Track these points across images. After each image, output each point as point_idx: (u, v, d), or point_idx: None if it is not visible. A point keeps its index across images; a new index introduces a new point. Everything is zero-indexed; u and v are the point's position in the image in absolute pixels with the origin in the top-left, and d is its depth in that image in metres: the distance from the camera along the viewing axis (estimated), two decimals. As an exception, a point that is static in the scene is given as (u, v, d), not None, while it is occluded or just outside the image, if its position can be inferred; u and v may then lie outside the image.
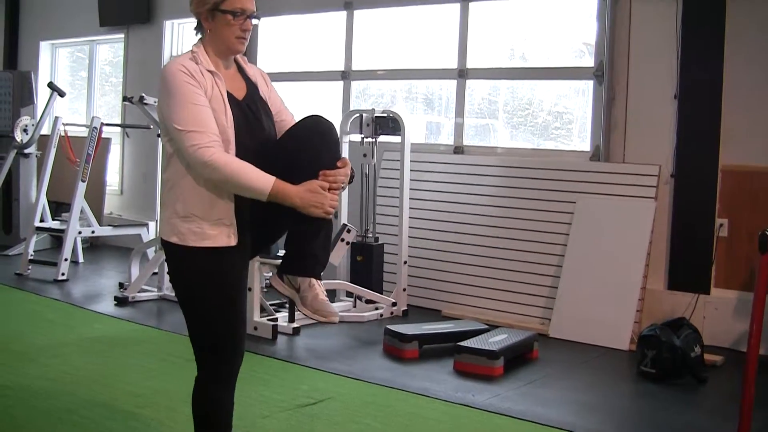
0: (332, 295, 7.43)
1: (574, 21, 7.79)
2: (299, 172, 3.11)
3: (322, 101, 9.38)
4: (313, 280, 3.23)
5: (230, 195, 3.14)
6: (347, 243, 7.02)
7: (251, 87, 3.39)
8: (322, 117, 3.29)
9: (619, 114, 7.13)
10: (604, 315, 6.57)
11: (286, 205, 3.08)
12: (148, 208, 10.25)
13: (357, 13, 8.82)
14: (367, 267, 7.37)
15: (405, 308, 7.27)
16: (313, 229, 3.17)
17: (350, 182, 3.36)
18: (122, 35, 11.00)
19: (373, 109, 7.35)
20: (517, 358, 5.81)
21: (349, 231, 6.98)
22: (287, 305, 6.77)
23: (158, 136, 7.79)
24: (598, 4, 7.28)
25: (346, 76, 8.89)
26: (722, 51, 6.62)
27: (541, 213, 7.18)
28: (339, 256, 7.04)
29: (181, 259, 3.21)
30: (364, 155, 7.35)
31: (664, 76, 6.88)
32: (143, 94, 7.82)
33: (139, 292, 7.47)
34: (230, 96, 3.22)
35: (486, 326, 6.40)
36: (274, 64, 9.46)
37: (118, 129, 10.13)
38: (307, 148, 3.18)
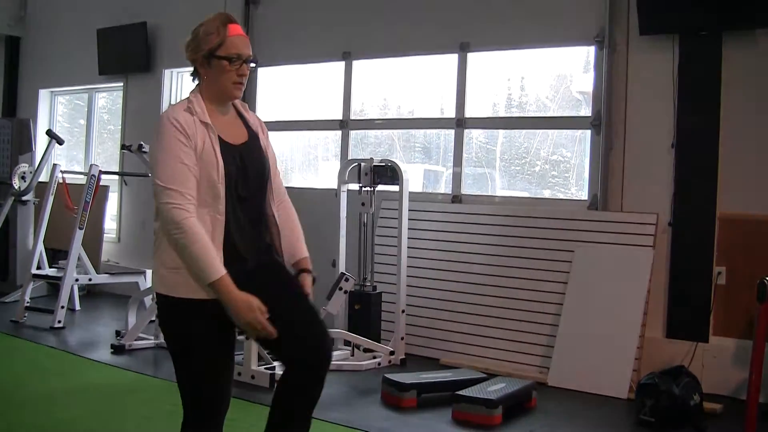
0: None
1: (572, 71, 7.85)
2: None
3: (321, 150, 9.42)
4: None
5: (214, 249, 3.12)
6: (345, 292, 7.01)
7: (252, 134, 3.39)
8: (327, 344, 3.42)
9: (617, 163, 7.16)
10: (603, 363, 6.55)
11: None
12: (146, 256, 10.21)
13: (355, 63, 8.88)
14: (365, 315, 7.35)
15: (403, 357, 7.24)
16: (301, 384, 3.33)
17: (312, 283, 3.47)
18: (121, 83, 11.05)
19: (372, 159, 7.38)
20: (515, 406, 5.78)
21: (347, 280, 6.98)
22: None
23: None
24: (594, 54, 7.34)
25: (345, 125, 8.93)
26: (719, 98, 6.67)
27: (539, 262, 7.18)
28: (337, 305, 7.02)
29: (169, 310, 3.22)
30: (362, 204, 7.36)
31: (662, 125, 6.93)
32: (142, 143, 7.86)
33: (135, 340, 7.43)
34: (226, 143, 3.22)
35: (484, 375, 6.38)
36: (273, 113, 9.51)
37: (116, 177, 10.14)
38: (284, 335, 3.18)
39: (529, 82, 8.28)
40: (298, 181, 9.56)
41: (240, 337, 3.58)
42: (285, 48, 9.25)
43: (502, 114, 8.35)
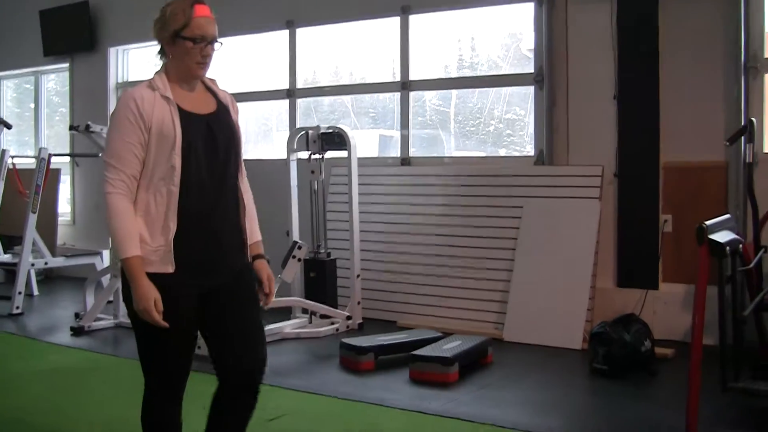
0: (287, 312, 7.47)
1: (522, 29, 7.88)
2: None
3: (274, 121, 9.42)
4: None
5: (167, 227, 3.15)
6: (299, 260, 7.07)
7: (221, 107, 3.41)
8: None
9: (561, 117, 7.25)
10: (556, 316, 6.67)
11: None
12: (102, 237, 10.20)
13: (299, 31, 8.88)
14: (321, 282, 7.41)
15: (360, 321, 7.31)
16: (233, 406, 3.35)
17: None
18: (67, 64, 10.97)
19: (318, 126, 7.40)
20: (471, 363, 5.87)
21: (300, 248, 7.03)
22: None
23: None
24: (534, 12, 7.39)
25: (291, 94, 8.94)
26: (657, 50, 6.77)
27: (489, 219, 7.26)
28: (292, 273, 7.07)
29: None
30: (312, 172, 7.40)
31: (603, 78, 7.01)
32: (89, 123, 7.81)
33: (94, 321, 7.44)
34: (189, 114, 3.23)
35: (440, 334, 6.45)
36: (219, 85, 9.45)
37: (68, 159, 10.09)
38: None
39: (480, 42, 8.33)
40: (252, 153, 9.56)
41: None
42: (229, 19, 9.16)
43: (454, 75, 8.41)
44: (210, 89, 3.46)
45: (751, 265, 5.44)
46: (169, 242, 3.15)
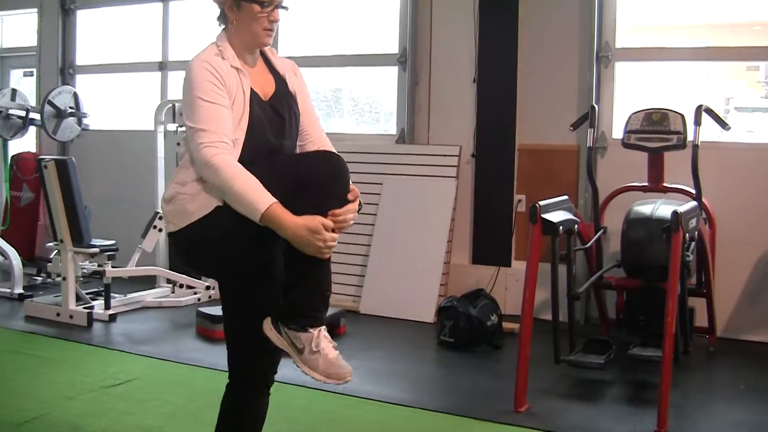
0: (152, 281, 7.54)
1: (383, 9, 8.04)
2: (303, 206, 2.83)
3: (141, 93, 9.41)
4: (320, 335, 2.94)
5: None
6: (160, 230, 7.14)
7: (280, 83, 3.19)
8: (335, 156, 2.98)
9: (423, 98, 7.46)
10: (411, 290, 6.89)
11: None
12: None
13: (173, 4, 8.90)
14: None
15: (221, 291, 7.41)
16: (310, 264, 2.90)
17: (359, 211, 3.04)
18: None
19: (186, 98, 7.44)
20: (323, 333, 6.03)
21: (161, 218, 7.10)
22: (103, 293, 6.83)
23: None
24: (399, -8, 7.57)
25: (164, 66, 8.96)
26: (516, 37, 7.02)
27: (350, 195, 7.37)
28: (152, 243, 7.16)
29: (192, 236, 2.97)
30: (178, 144, 7.40)
31: (464, 62, 7.24)
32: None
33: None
34: (255, 95, 3.04)
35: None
36: (92, 57, 9.47)
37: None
38: (315, 188, 2.87)
39: (372, 21, 8.44)
40: (125, 124, 9.55)
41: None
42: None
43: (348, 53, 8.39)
44: (267, 60, 3.23)
45: (589, 244, 5.74)
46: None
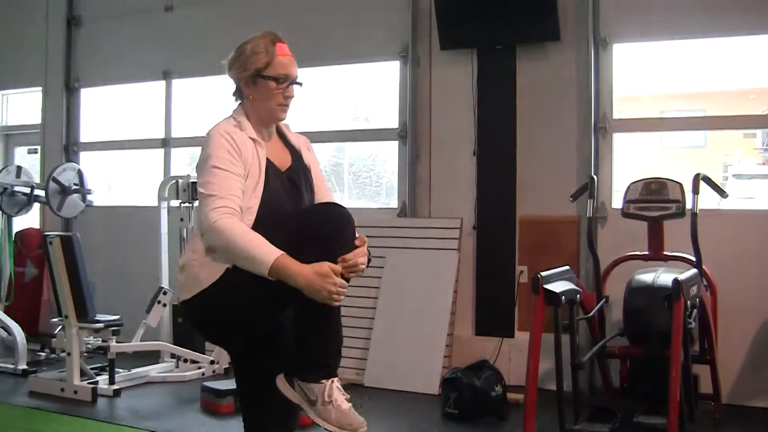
0: (156, 356, 7.54)
1: (382, 84, 8.17)
2: (312, 257, 2.89)
3: (145, 169, 9.50)
4: (333, 386, 3.02)
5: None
6: (164, 305, 7.18)
7: (295, 156, 3.29)
8: (338, 206, 3.08)
9: (424, 172, 7.55)
10: (415, 362, 6.89)
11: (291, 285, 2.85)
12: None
13: (175, 82, 9.02)
14: (188, 328, 7.45)
15: (226, 366, 7.39)
16: (320, 314, 2.97)
17: (368, 265, 3.12)
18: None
19: (189, 175, 7.52)
20: (328, 407, 6.02)
21: (165, 293, 7.16)
22: (108, 368, 6.83)
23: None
24: (399, 68, 7.70)
25: (166, 143, 9.05)
26: (514, 110, 7.14)
27: (354, 269, 7.41)
28: (156, 318, 7.18)
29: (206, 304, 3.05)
30: (181, 219, 7.49)
31: (464, 135, 7.34)
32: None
33: None
34: (272, 166, 3.13)
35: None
36: (95, 134, 9.60)
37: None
38: (322, 238, 2.94)
39: (374, 96, 8.59)
40: (128, 200, 9.63)
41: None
42: (108, 69, 9.30)
43: (349, 128, 8.64)
44: (282, 135, 3.34)
45: (591, 314, 5.76)
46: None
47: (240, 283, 2.93)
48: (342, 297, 2.91)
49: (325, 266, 2.84)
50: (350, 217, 3.05)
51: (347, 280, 2.99)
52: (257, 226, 2.99)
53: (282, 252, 2.84)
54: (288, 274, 2.83)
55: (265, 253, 2.83)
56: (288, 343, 3.10)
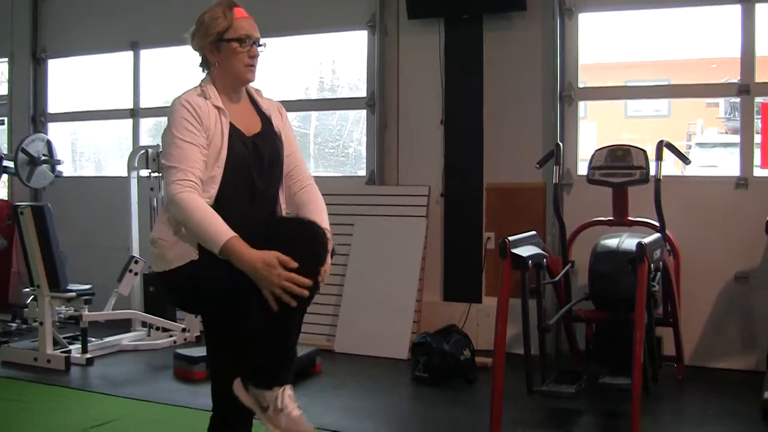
0: (128, 324, 7.60)
1: (351, 54, 8.22)
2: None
3: (114, 139, 9.50)
4: (284, 394, 3.05)
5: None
6: (135, 273, 7.22)
7: (265, 122, 3.31)
8: (314, 225, 3.12)
9: (392, 140, 7.61)
10: (384, 328, 6.98)
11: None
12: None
13: (143, 52, 9.00)
14: (159, 296, 7.50)
15: (198, 334, 7.45)
16: (277, 326, 3.02)
17: (332, 257, 3.13)
18: None
19: (158, 144, 7.54)
20: (299, 372, 6.06)
21: (136, 262, 7.19)
22: (80, 337, 6.87)
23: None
24: (367, 37, 7.73)
25: (135, 113, 9.05)
26: (481, 79, 7.20)
27: (323, 236, 7.48)
28: (128, 287, 7.22)
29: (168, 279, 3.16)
30: (151, 189, 7.50)
31: (432, 103, 7.40)
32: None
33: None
34: (237, 132, 3.15)
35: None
36: (64, 105, 9.56)
37: None
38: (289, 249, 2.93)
39: (340, 65, 8.62)
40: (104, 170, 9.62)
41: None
42: (75, 40, 9.26)
43: (314, 97, 8.68)
44: (253, 100, 3.37)
45: (558, 278, 5.87)
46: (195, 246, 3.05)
47: (204, 266, 3.03)
48: (295, 295, 2.93)
49: (272, 255, 2.88)
50: (324, 237, 3.09)
51: (317, 286, 3.05)
52: (229, 202, 3.08)
53: (235, 234, 2.91)
54: (237, 257, 2.89)
55: (219, 232, 2.90)
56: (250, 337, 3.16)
